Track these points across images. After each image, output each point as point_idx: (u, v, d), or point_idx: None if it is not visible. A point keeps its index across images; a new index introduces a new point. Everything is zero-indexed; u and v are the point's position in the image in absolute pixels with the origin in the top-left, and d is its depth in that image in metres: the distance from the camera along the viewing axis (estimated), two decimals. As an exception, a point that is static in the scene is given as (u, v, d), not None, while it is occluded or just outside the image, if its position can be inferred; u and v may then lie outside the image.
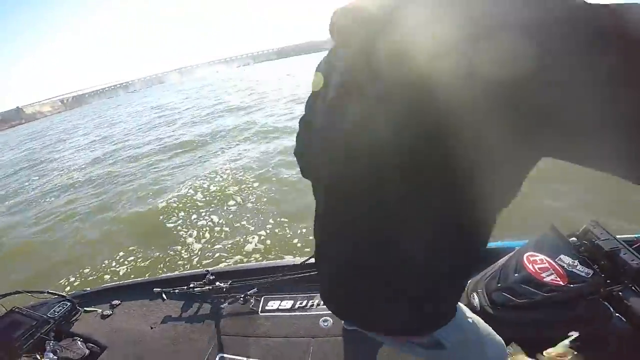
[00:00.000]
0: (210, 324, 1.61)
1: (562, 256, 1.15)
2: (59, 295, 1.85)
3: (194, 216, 4.31)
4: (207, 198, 4.78)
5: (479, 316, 0.76)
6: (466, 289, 1.31)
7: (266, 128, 8.48)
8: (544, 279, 1.11)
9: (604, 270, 1.13)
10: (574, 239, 1.26)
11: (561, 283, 1.09)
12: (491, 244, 1.31)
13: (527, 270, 1.15)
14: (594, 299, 1.10)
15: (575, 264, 1.12)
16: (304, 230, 3.42)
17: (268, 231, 3.57)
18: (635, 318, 1.12)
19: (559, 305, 1.09)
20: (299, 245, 3.25)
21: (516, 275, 1.18)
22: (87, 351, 1.54)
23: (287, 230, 3.51)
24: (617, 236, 1.22)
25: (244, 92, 19.07)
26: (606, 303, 1.13)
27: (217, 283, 1.70)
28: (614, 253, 1.13)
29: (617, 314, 1.14)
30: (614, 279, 1.12)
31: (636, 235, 1.37)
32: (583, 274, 1.09)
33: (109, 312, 1.79)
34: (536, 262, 1.16)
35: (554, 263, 1.14)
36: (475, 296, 1.25)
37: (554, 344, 1.06)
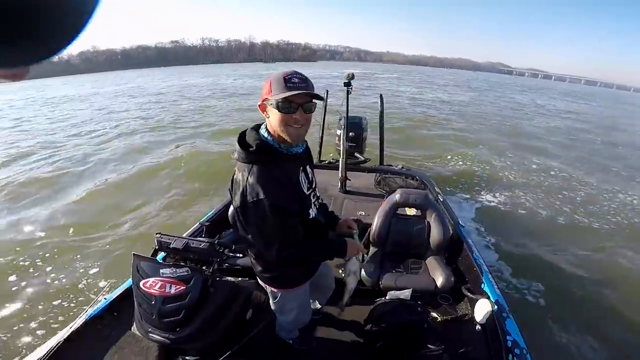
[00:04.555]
0: None
1: (161, 271, 1.44)
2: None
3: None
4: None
5: None
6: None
7: None
8: (171, 292, 1.41)
9: (192, 261, 1.63)
10: (162, 253, 1.73)
11: (183, 287, 1.42)
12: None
13: (154, 294, 1.40)
14: (214, 281, 1.54)
15: (174, 270, 1.45)
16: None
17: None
18: (247, 268, 2.00)
19: (202, 300, 1.46)
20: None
21: (153, 302, 1.41)
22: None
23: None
24: (183, 234, 1.98)
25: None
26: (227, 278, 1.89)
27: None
28: (186, 246, 1.59)
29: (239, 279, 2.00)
30: (205, 262, 1.63)
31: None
32: (185, 272, 1.45)
33: None
34: (152, 285, 1.41)
35: (162, 279, 1.42)
36: (154, 335, 1.44)
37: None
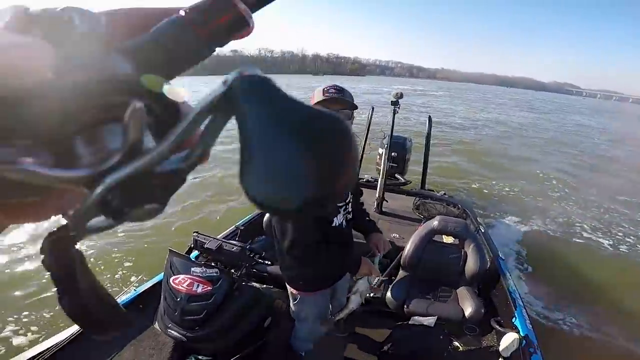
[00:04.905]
0: None
1: (192, 269, 1.51)
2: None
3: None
4: None
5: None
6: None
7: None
8: (197, 291, 1.46)
9: (223, 263, 1.71)
10: (196, 252, 1.84)
11: (209, 288, 1.47)
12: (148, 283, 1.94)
13: (181, 291, 1.47)
14: (239, 285, 1.55)
15: (204, 270, 1.51)
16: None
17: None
18: (273, 276, 1.88)
19: (225, 303, 1.48)
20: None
21: (178, 299, 1.46)
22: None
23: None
24: (218, 236, 2.07)
25: None
26: (252, 283, 1.73)
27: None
28: (219, 248, 1.72)
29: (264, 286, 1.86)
30: (235, 266, 1.69)
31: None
32: (214, 273, 1.51)
33: None
34: (181, 282, 1.48)
35: (192, 277, 1.49)
36: (172, 331, 1.46)
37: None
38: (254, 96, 0.13)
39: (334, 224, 1.33)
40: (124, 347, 1.58)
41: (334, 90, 1.25)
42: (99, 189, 0.13)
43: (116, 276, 3.31)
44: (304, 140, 0.13)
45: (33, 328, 2.66)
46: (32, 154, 0.13)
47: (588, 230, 5.20)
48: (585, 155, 11.18)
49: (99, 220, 0.15)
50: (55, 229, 0.15)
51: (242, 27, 0.17)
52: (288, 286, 1.48)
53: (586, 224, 5.38)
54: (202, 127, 0.14)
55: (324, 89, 1.26)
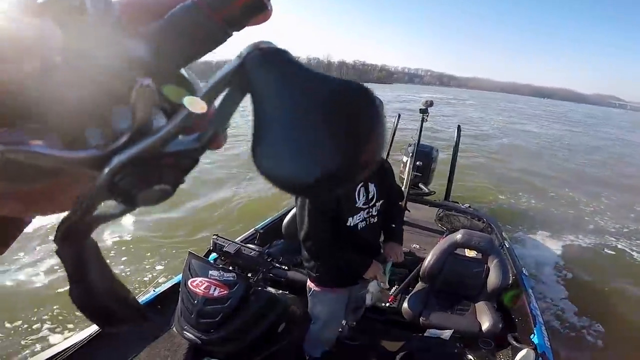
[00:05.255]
0: None
1: (210, 272, 1.52)
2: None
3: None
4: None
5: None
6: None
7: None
8: (214, 295, 1.46)
9: (241, 266, 1.73)
10: (215, 254, 1.89)
11: (226, 291, 1.48)
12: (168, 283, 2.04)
13: (198, 294, 1.47)
14: (255, 290, 1.56)
15: (222, 273, 1.52)
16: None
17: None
18: (289, 281, 1.96)
19: (240, 307, 1.49)
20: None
21: (195, 302, 1.47)
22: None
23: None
24: (238, 238, 2.18)
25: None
26: (269, 288, 1.72)
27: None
28: (238, 252, 1.75)
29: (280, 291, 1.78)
30: (252, 270, 1.72)
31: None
32: (231, 277, 1.51)
33: None
34: (199, 285, 1.48)
35: (209, 280, 1.49)
36: (188, 333, 1.48)
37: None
38: (269, 67, 0.13)
39: (348, 224, 1.36)
40: (140, 348, 1.60)
41: None
42: (106, 170, 0.13)
43: (145, 279, 3.35)
44: (324, 110, 0.12)
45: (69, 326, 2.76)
46: (41, 137, 0.12)
47: (624, 243, 5.08)
48: (625, 172, 10.55)
49: (109, 205, 0.15)
50: (65, 216, 0.15)
51: (259, 11, 0.16)
52: (308, 280, 1.56)
53: (623, 241, 5.20)
54: (216, 104, 0.14)
55: None
